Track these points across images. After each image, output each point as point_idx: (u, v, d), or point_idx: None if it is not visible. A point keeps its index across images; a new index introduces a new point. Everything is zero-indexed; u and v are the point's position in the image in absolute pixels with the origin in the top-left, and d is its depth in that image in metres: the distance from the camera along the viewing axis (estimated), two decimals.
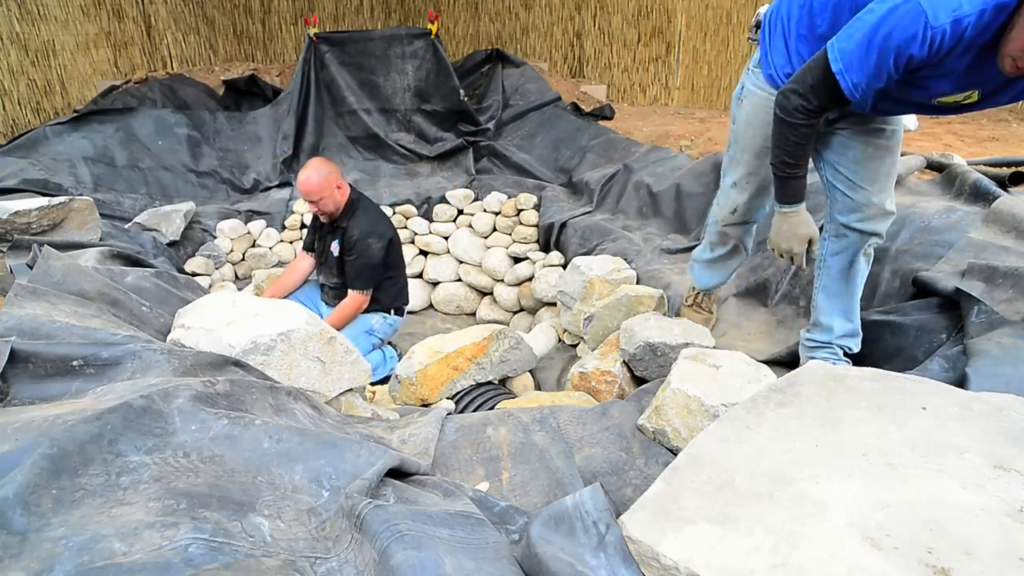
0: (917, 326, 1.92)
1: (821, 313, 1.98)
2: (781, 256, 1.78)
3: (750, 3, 5.33)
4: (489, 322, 3.95)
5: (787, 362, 2.12)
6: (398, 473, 1.19)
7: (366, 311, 2.98)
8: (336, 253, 2.94)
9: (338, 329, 2.47)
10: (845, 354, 1.98)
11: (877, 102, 1.51)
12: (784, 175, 1.66)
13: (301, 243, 3.33)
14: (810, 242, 1.72)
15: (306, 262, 3.13)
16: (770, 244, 1.80)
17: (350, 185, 2.95)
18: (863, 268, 1.91)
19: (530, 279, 3.92)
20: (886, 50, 1.32)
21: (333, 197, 2.80)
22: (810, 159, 1.67)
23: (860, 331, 1.98)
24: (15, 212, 2.23)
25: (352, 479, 1.06)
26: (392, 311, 3.10)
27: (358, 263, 2.86)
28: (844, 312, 1.94)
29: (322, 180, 2.74)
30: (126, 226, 3.55)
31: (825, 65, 1.42)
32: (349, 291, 2.90)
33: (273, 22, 6.13)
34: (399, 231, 4.39)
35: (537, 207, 4.24)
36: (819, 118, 1.54)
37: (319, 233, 3.06)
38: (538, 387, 2.70)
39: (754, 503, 0.98)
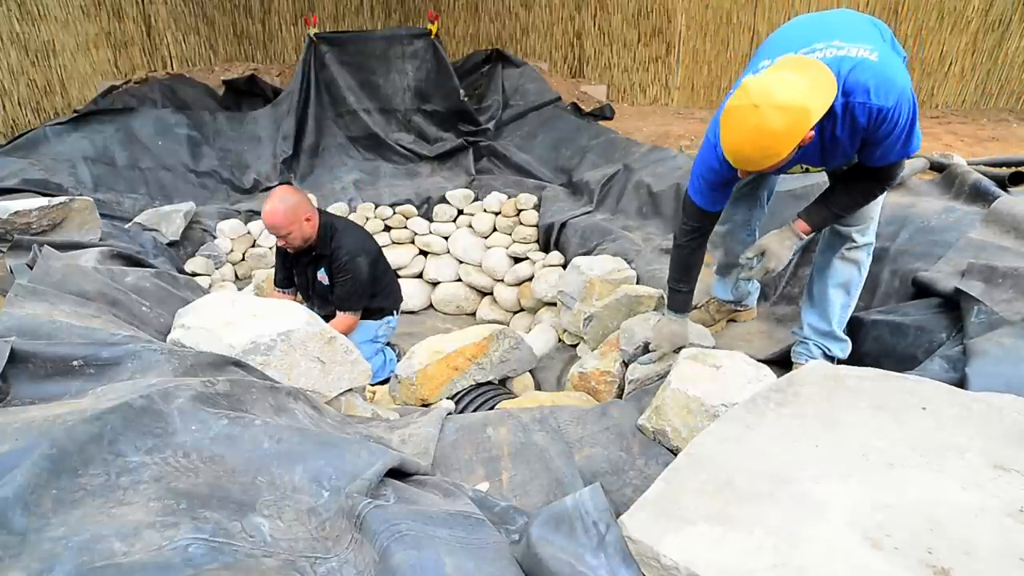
0: (917, 326, 1.92)
1: (801, 308, 2.10)
2: (656, 351, 2.10)
3: (750, 3, 5.33)
4: (489, 322, 3.95)
5: (786, 362, 2.12)
6: (398, 473, 1.19)
7: (370, 318, 2.96)
8: (326, 282, 2.80)
9: None
10: (826, 356, 2.01)
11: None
12: (671, 288, 2.04)
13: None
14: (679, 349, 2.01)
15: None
16: (653, 341, 2.09)
17: (319, 209, 2.78)
18: (843, 272, 1.94)
19: (530, 279, 3.91)
20: (701, 174, 1.75)
21: (301, 230, 2.59)
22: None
23: (843, 338, 2.01)
24: (15, 212, 2.23)
25: (352, 479, 1.06)
26: (393, 312, 3.10)
27: (348, 284, 2.73)
28: (818, 311, 2.01)
29: (289, 212, 2.52)
30: (126, 226, 3.54)
31: (686, 196, 1.86)
32: (338, 312, 2.76)
33: (273, 22, 6.12)
34: (399, 231, 4.42)
35: (537, 207, 4.24)
36: (698, 237, 1.89)
37: (297, 267, 2.89)
38: (538, 387, 2.70)
39: (754, 503, 0.98)
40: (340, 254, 2.71)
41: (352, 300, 2.77)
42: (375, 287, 2.91)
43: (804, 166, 1.73)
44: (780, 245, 1.80)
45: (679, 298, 2.03)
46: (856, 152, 1.62)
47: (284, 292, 2.98)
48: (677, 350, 2.01)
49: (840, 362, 2.01)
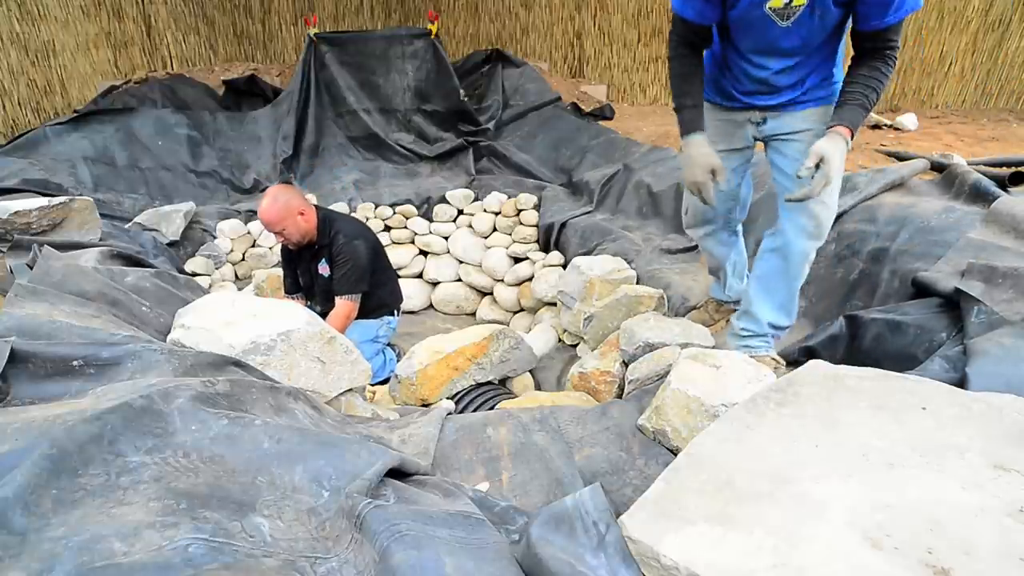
0: (917, 326, 1.92)
1: (752, 303, 2.06)
2: (692, 193, 1.90)
3: None
4: (489, 322, 3.95)
5: (786, 361, 2.12)
6: (398, 473, 1.19)
7: (371, 317, 2.96)
8: (327, 274, 2.83)
9: None
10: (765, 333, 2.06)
11: (734, 32, 1.79)
12: (676, 107, 1.88)
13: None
14: (713, 172, 1.82)
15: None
16: (683, 178, 1.92)
17: (316, 206, 2.83)
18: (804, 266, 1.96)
19: (530, 279, 3.91)
20: None
21: (296, 225, 2.67)
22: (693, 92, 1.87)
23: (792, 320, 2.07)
24: (15, 212, 2.23)
25: (352, 479, 1.06)
26: (393, 312, 3.10)
27: (347, 267, 2.75)
28: (779, 306, 2.02)
29: (281, 208, 2.61)
30: (126, 226, 3.55)
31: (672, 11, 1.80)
32: (337, 299, 2.76)
33: (273, 22, 6.12)
34: (399, 231, 4.42)
35: (537, 207, 4.24)
36: (685, 48, 1.82)
37: (301, 265, 2.94)
38: (538, 387, 2.70)
39: (754, 503, 0.98)
40: (338, 239, 2.77)
41: (351, 283, 2.77)
42: (376, 276, 2.93)
43: None
44: (835, 149, 1.64)
45: (687, 115, 1.87)
46: (855, 9, 1.60)
47: (293, 298, 3.00)
48: (713, 174, 1.83)
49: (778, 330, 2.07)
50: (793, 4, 1.62)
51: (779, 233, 1.94)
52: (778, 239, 1.95)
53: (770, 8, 1.65)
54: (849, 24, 1.68)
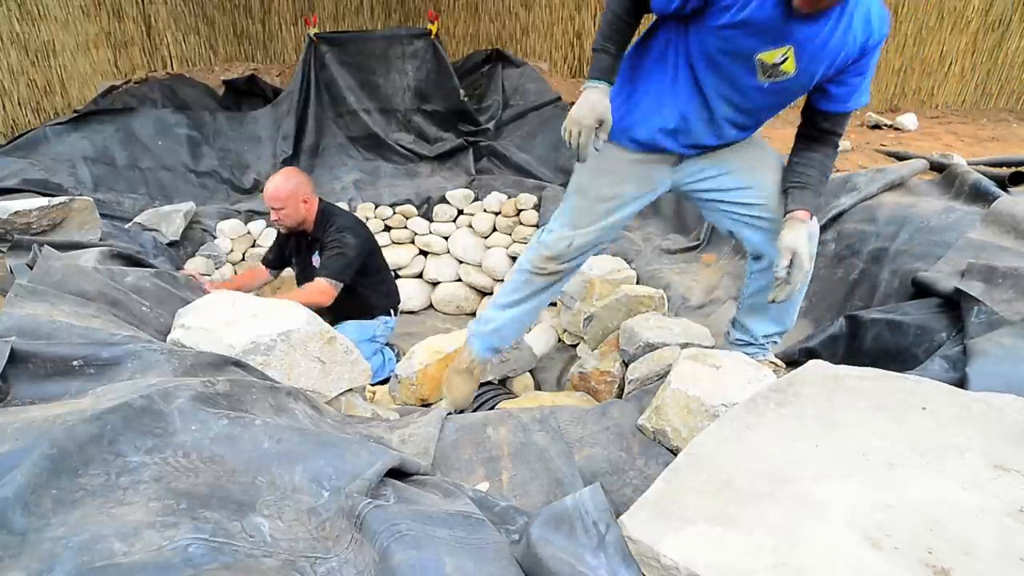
0: (917, 326, 1.92)
1: (741, 318, 2.05)
2: (569, 138, 1.72)
3: None
4: None
5: (786, 361, 2.12)
6: (398, 473, 1.19)
7: (366, 318, 2.96)
8: (319, 266, 2.83)
9: None
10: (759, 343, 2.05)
11: (706, 66, 1.63)
12: (596, 48, 1.76)
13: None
14: (601, 123, 1.70)
15: (264, 273, 3.05)
16: (565, 123, 1.73)
17: (319, 198, 2.87)
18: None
19: None
20: None
21: (297, 209, 2.72)
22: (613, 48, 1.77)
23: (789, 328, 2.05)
24: (15, 212, 2.23)
25: (352, 479, 1.06)
26: (390, 312, 3.10)
27: (333, 252, 2.71)
28: (773, 319, 1.99)
29: (291, 189, 2.67)
30: (126, 226, 3.54)
31: None
32: (316, 277, 2.68)
33: (273, 22, 6.12)
34: (399, 231, 4.42)
35: (537, 207, 4.24)
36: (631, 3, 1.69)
37: (297, 256, 2.96)
38: (538, 387, 2.70)
39: (754, 503, 0.98)
40: (331, 230, 2.78)
41: (334, 267, 2.67)
42: (371, 278, 2.93)
43: (786, 51, 1.49)
44: (799, 238, 1.64)
45: (605, 61, 1.75)
46: (818, 90, 1.59)
47: (267, 271, 3.05)
48: (600, 126, 1.68)
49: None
50: (781, 68, 1.52)
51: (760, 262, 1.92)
52: (763, 263, 1.90)
53: (759, 59, 1.52)
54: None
